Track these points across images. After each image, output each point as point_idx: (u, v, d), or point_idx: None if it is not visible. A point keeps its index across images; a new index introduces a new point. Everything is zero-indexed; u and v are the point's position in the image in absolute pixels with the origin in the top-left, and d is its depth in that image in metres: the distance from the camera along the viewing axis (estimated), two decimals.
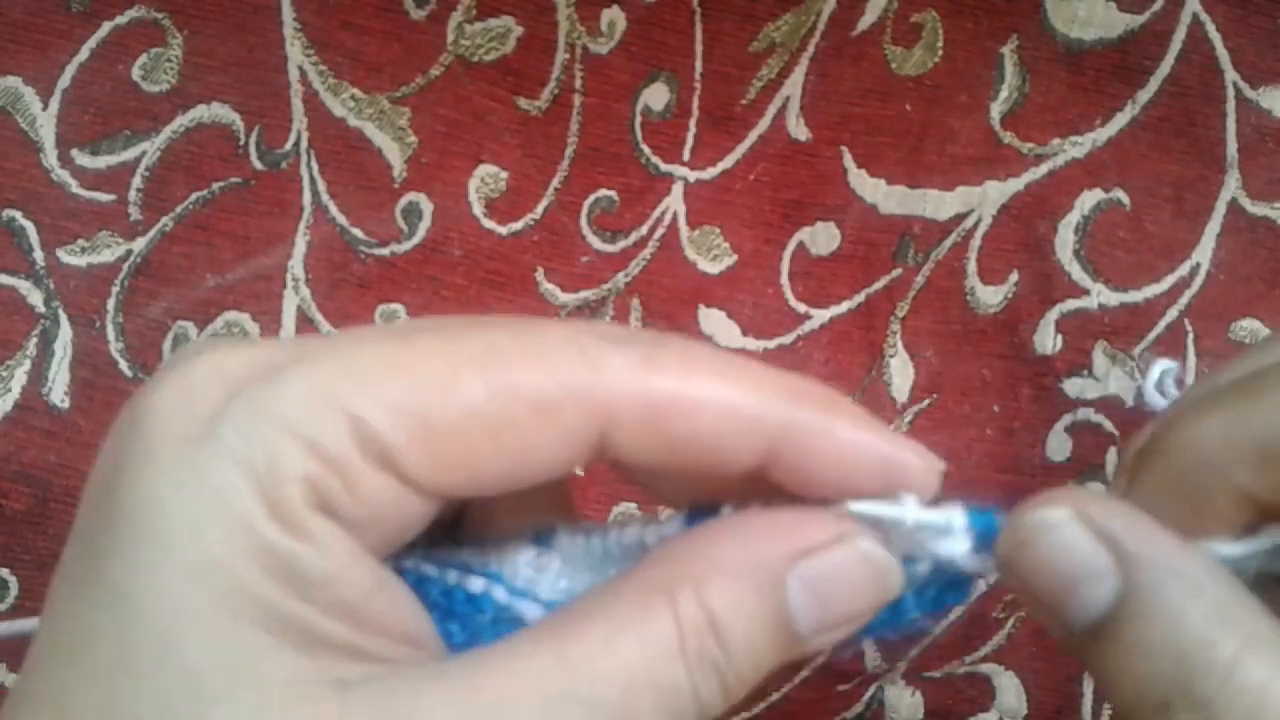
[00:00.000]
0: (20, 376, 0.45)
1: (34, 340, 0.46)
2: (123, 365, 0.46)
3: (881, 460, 0.22)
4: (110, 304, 0.46)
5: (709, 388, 0.21)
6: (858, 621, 0.22)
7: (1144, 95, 0.45)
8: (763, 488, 0.22)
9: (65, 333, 0.46)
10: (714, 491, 0.23)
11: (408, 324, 0.21)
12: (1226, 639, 0.20)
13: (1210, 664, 0.19)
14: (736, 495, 0.22)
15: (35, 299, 0.46)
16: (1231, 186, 0.45)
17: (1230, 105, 0.45)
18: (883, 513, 0.22)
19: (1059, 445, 0.45)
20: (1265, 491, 0.21)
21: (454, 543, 0.23)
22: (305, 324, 0.46)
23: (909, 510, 0.22)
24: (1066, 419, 0.45)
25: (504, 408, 0.20)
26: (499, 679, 0.19)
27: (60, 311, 0.46)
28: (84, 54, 0.46)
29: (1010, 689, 0.46)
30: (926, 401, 0.46)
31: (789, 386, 0.21)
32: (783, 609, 0.20)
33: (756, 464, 0.21)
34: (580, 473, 0.23)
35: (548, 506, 0.24)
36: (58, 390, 0.45)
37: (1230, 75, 0.45)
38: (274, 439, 0.19)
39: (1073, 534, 0.21)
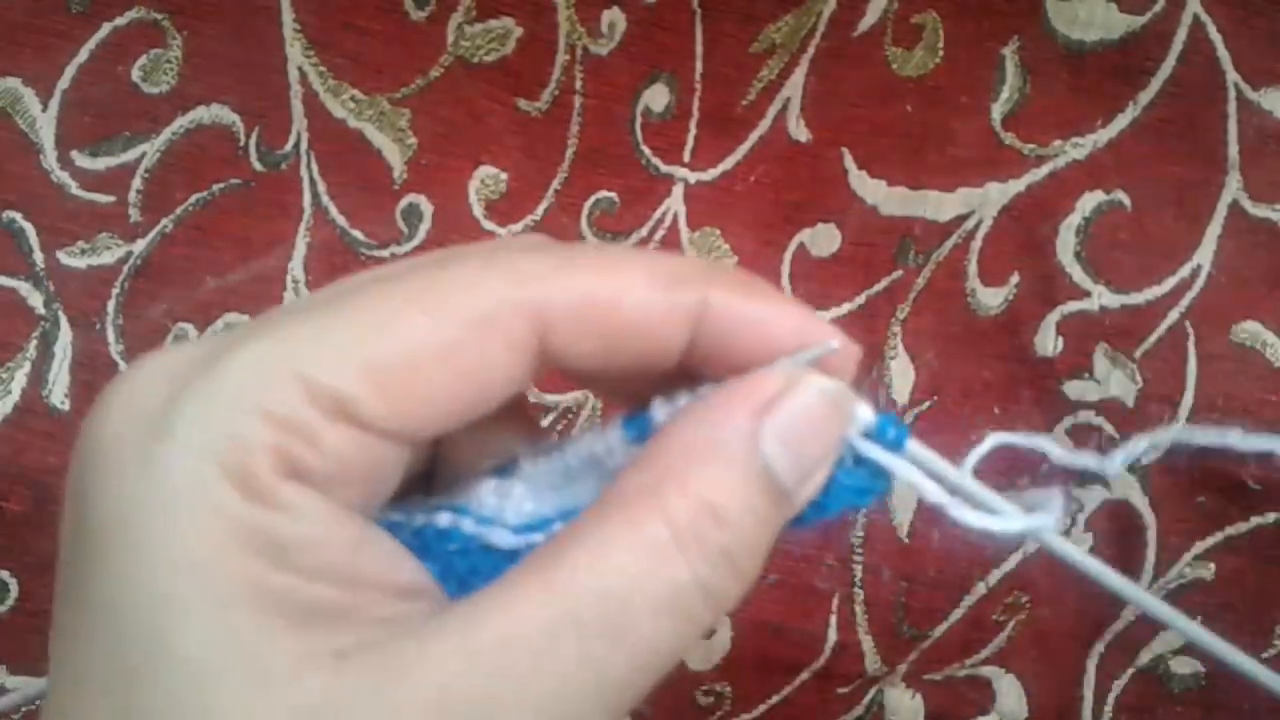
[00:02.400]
0: (20, 378, 0.45)
1: (34, 342, 0.46)
2: (123, 367, 0.45)
3: (798, 334, 0.23)
4: (110, 306, 0.46)
5: (626, 276, 0.22)
6: (829, 459, 0.22)
7: (1145, 96, 0.45)
8: (696, 381, 0.23)
9: (65, 335, 0.46)
10: (656, 389, 0.23)
11: (334, 286, 0.22)
12: None
13: None
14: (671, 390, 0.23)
15: (35, 301, 0.46)
16: (1233, 188, 0.45)
17: (1231, 106, 0.45)
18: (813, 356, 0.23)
19: None
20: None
21: (426, 495, 0.23)
22: None
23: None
24: (1067, 421, 0.45)
25: (446, 333, 0.20)
26: (496, 618, 0.19)
27: (60, 313, 0.46)
28: (84, 55, 0.46)
29: (1010, 692, 0.45)
30: (927, 404, 0.46)
31: (704, 270, 0.22)
32: (765, 469, 0.21)
33: (683, 349, 0.22)
34: (532, 392, 0.23)
35: (513, 443, 0.25)
36: (58, 392, 0.45)
37: (1231, 76, 0.45)
38: (228, 418, 0.19)
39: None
